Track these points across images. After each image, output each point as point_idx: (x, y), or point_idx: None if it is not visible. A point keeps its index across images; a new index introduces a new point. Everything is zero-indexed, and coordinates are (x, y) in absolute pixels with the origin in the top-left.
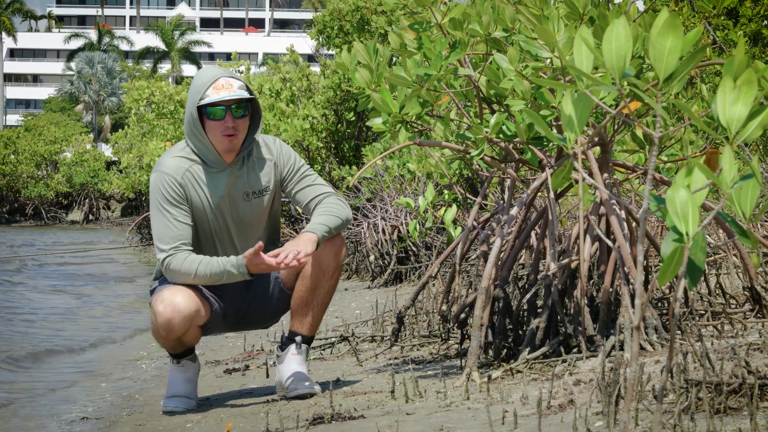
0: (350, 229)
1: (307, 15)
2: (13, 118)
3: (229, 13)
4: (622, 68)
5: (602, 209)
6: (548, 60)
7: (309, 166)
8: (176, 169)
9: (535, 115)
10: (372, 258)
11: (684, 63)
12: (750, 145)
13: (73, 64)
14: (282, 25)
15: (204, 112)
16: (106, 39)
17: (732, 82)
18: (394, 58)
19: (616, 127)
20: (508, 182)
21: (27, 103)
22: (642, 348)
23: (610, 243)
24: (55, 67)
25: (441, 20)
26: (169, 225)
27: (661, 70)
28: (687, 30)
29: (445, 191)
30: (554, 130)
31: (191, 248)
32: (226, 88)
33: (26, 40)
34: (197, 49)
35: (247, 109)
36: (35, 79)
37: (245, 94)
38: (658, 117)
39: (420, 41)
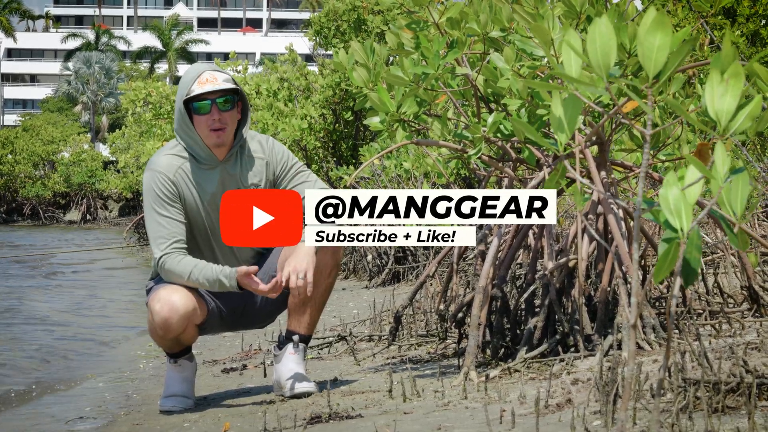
0: None
1: (305, 15)
2: (11, 118)
3: (226, 13)
4: (608, 66)
5: (600, 208)
6: (545, 59)
7: (307, 165)
8: (168, 166)
9: (524, 123)
10: (369, 257)
11: (672, 58)
12: (747, 144)
13: (70, 64)
14: (279, 25)
15: (191, 107)
16: (104, 39)
17: (719, 76)
18: (392, 58)
19: (613, 126)
20: (505, 181)
21: (24, 103)
22: (640, 347)
23: (605, 244)
24: (53, 67)
25: (438, 20)
26: (163, 224)
27: (650, 67)
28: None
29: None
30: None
31: (186, 247)
32: (210, 81)
33: (24, 39)
34: (195, 48)
35: (234, 102)
36: (33, 79)
37: (230, 86)
38: (649, 115)
39: (417, 40)
